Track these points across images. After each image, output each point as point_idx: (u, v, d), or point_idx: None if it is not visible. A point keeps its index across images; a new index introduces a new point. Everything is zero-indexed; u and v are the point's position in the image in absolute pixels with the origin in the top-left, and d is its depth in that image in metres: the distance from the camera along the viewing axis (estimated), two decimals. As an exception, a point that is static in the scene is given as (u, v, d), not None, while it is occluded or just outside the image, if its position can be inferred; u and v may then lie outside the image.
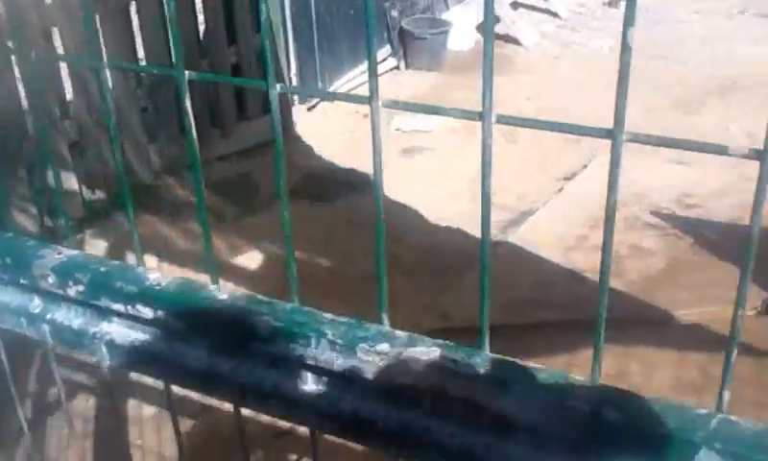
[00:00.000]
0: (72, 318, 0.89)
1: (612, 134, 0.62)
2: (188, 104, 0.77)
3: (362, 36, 7.31)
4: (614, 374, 3.29)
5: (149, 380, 3.34)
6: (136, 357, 0.87)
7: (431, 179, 5.35)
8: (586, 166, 5.68)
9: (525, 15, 8.78)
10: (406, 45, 7.66)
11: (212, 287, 0.76)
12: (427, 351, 0.68)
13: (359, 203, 4.99)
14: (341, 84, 6.96)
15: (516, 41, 8.26)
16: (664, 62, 7.60)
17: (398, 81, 7.50)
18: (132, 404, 3.13)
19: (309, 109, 6.66)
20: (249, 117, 5.98)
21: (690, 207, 4.98)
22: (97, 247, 4.41)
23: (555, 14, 9.00)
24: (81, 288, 0.80)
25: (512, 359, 0.68)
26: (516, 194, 5.31)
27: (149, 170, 5.34)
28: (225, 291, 0.75)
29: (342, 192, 5.32)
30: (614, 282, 4.11)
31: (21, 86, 4.53)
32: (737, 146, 0.60)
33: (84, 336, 0.90)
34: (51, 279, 0.82)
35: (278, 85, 0.72)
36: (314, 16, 6.50)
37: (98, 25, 4.73)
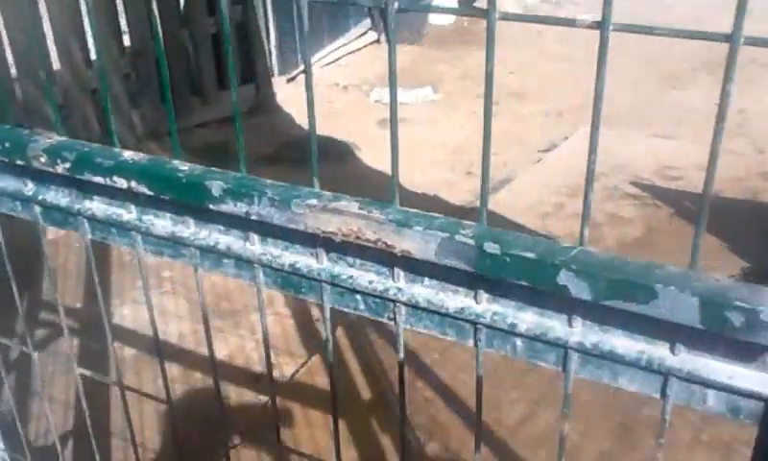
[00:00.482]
0: (60, 198, 1.04)
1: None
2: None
3: (342, 11, 7.44)
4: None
5: (130, 324, 3.50)
6: (113, 229, 1.02)
7: (409, 149, 5.46)
8: (567, 138, 5.79)
9: (509, -10, 8.90)
10: (386, 18, 7.77)
11: (175, 162, 0.92)
12: (348, 204, 0.84)
13: (337, 168, 5.14)
14: (320, 57, 7.09)
15: (499, 16, 8.39)
16: (653, 37, 7.69)
17: (378, 54, 7.63)
18: (114, 345, 3.28)
19: (289, 81, 6.80)
20: (229, 87, 6.12)
21: (672, 179, 5.01)
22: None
23: (539, -10, 9.15)
24: (67, 165, 0.95)
25: (415, 210, 0.84)
26: (495, 164, 5.44)
27: (132, 134, 5.48)
28: (185, 164, 0.90)
29: (320, 158, 5.46)
30: (590, 248, 4.24)
31: (9, 53, 4.66)
32: (586, 20, 0.75)
33: (69, 214, 1.05)
34: (42, 159, 0.97)
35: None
36: (293, -12, 6.63)
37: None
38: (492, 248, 0.78)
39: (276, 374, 3.20)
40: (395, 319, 0.91)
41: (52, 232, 4.14)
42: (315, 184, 0.88)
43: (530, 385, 3.04)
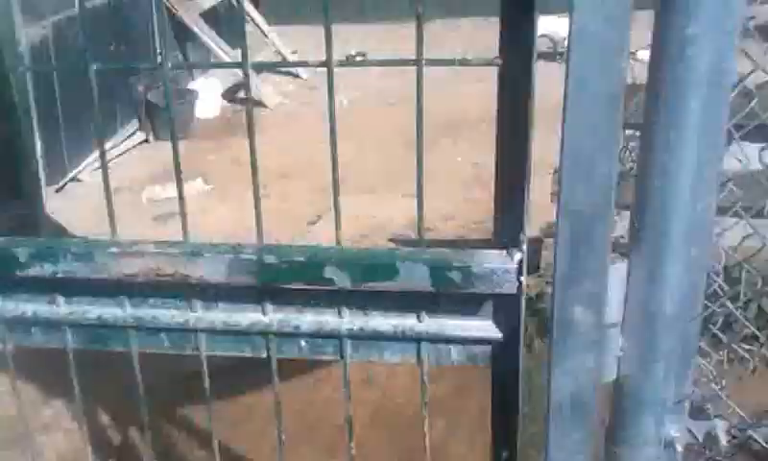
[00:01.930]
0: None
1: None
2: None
3: (108, 113, 7.42)
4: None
5: None
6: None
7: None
8: (330, 209, 6.15)
9: (269, 78, 9.22)
10: (153, 117, 7.81)
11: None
12: (144, 246, 0.99)
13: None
14: (90, 162, 7.02)
15: (261, 104, 8.68)
16: (401, 108, 8.30)
17: (148, 154, 7.63)
18: None
19: (58, 191, 6.65)
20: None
21: (425, 232, 5.61)
22: None
23: (296, 75, 9.53)
24: None
25: (208, 243, 1.01)
26: (267, 241, 5.64)
27: None
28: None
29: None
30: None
31: None
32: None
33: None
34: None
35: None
36: (58, 96, 6.55)
37: None
38: (270, 259, 0.96)
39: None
40: (198, 348, 1.06)
41: None
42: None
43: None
